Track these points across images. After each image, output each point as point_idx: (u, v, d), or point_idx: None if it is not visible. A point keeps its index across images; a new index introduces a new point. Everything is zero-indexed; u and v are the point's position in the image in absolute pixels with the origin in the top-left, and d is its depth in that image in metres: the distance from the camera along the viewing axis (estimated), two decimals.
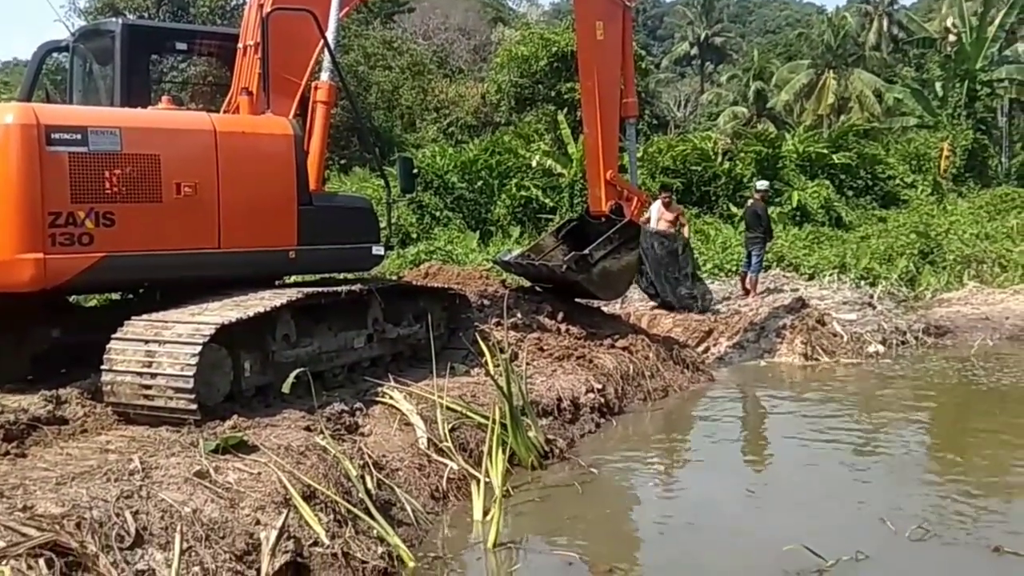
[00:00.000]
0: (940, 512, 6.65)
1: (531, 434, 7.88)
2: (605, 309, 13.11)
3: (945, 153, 27.75)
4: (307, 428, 6.58)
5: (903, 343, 14.17)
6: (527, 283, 12.26)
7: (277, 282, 8.44)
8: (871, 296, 16.21)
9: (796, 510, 6.88)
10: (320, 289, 7.86)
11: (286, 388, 6.51)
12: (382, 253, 8.98)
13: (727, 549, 6.06)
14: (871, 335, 13.97)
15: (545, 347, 10.20)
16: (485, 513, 6.49)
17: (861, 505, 6.79)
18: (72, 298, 8.59)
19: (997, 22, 32.67)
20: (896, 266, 18.49)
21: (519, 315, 10.73)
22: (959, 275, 18.51)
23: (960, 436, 9.60)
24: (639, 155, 21.49)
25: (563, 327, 10.97)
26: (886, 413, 10.21)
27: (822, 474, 7.84)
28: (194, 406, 6.32)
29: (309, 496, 5.60)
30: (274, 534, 2.92)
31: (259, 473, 5.61)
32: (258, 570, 4.65)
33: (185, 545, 4.67)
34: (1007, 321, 15.31)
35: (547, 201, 22.80)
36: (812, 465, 8.16)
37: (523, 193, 22.74)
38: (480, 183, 22.96)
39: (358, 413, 7.30)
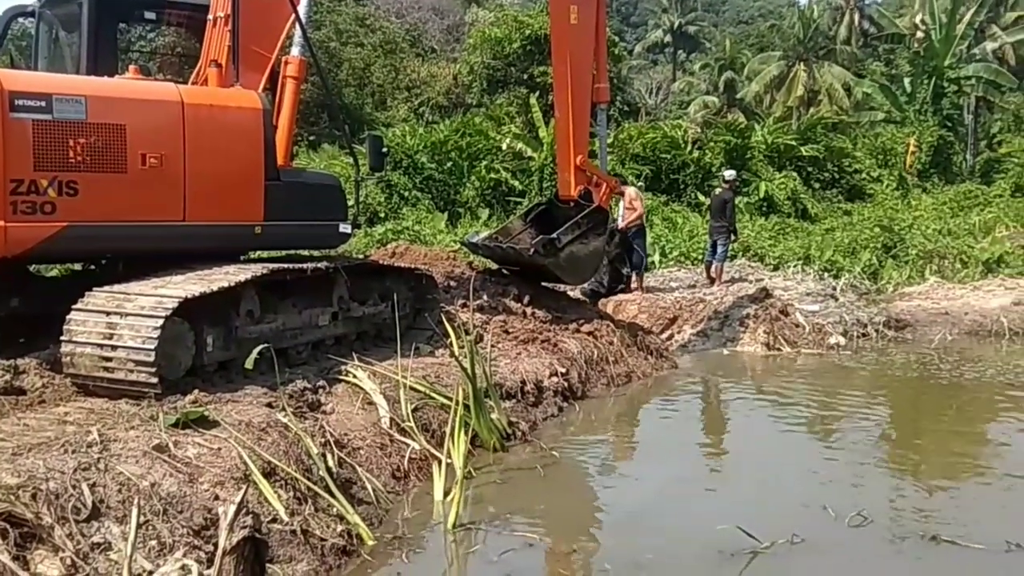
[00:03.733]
0: (885, 501, 6.76)
1: (494, 416, 7.90)
2: (571, 294, 13.13)
3: (911, 149, 28.05)
4: (269, 405, 6.55)
5: (864, 335, 14.35)
6: (494, 266, 12.25)
7: (242, 257, 8.37)
8: (834, 288, 16.37)
9: (746, 495, 6.96)
10: (285, 265, 7.81)
11: (249, 364, 6.48)
12: (349, 231, 8.92)
13: (676, 531, 6.14)
14: (833, 327, 14.12)
15: (510, 330, 10.21)
16: (446, 494, 6.50)
17: (808, 493, 6.89)
18: (32, 267, 8.47)
19: (966, 20, 33.03)
20: (859, 259, 18.68)
21: (485, 297, 10.73)
22: (921, 270, 18.74)
23: (914, 428, 9.75)
24: (609, 141, 21.52)
25: (529, 310, 10.99)
26: (844, 404, 10.35)
27: (776, 462, 7.93)
28: (155, 379, 6.26)
29: (269, 473, 5.59)
30: (232, 509, 2.91)
31: (219, 448, 5.59)
32: (215, 545, 4.63)
33: (142, 519, 4.64)
34: (966, 316, 15.54)
35: (516, 184, 22.78)
36: (768, 453, 8.26)
37: (492, 175, 22.70)
38: (450, 164, 22.89)
39: (321, 391, 7.27)
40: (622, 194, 15.28)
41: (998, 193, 25.49)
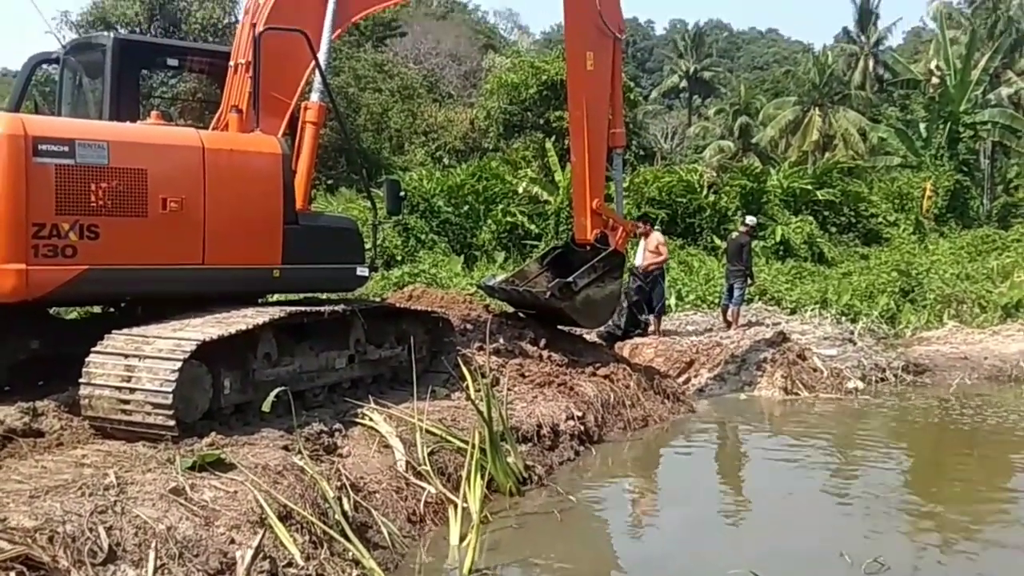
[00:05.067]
0: (902, 549, 6.70)
1: (510, 460, 7.86)
2: (587, 337, 13.12)
3: (928, 193, 28.01)
4: (285, 448, 6.55)
5: (882, 380, 14.24)
6: (510, 309, 12.26)
7: (260, 300, 8.42)
8: (852, 332, 16.29)
9: (762, 541, 6.91)
10: (303, 308, 7.84)
11: (266, 407, 6.48)
12: (366, 274, 8.97)
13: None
14: (851, 371, 14.03)
15: (527, 373, 10.19)
16: (462, 538, 6.46)
17: (826, 538, 6.83)
18: (52, 310, 8.53)
19: (981, 65, 33.12)
20: (877, 303, 18.60)
21: (501, 340, 10.72)
22: (939, 314, 18.62)
23: (934, 475, 9.65)
24: (625, 185, 21.59)
25: (545, 353, 10.97)
26: (863, 449, 10.26)
27: (793, 508, 7.87)
28: (172, 422, 6.28)
29: (285, 516, 5.57)
30: (249, 553, 2.90)
31: (235, 492, 5.58)
32: None
33: (159, 562, 4.64)
34: (986, 361, 15.41)
35: (532, 228, 22.86)
36: (785, 499, 8.19)
37: (509, 219, 22.79)
38: (466, 207, 23.00)
39: (337, 434, 7.27)
40: (647, 235, 15.35)
41: (1016, 238, 25.36)
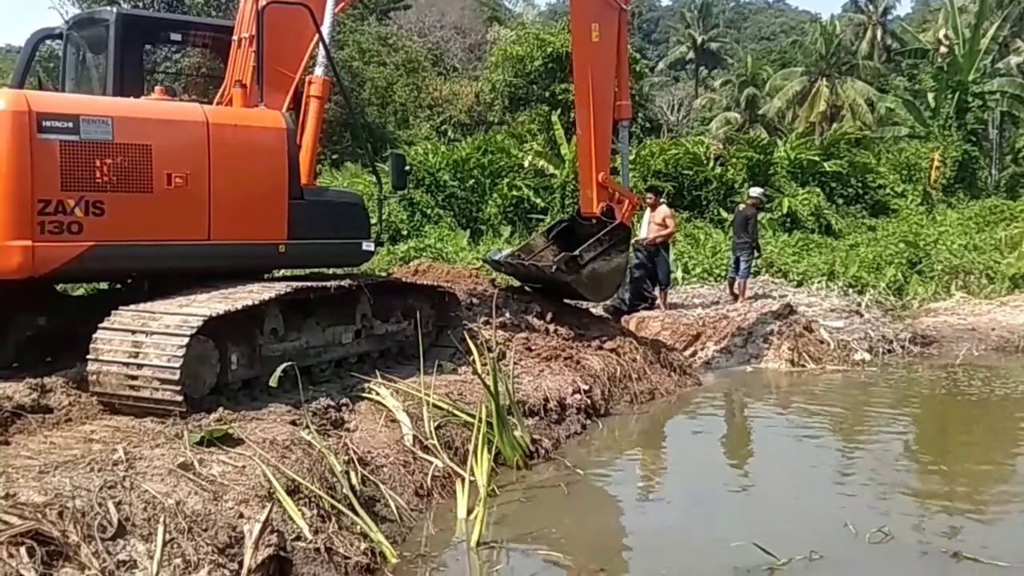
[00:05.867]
0: (907, 518, 6.71)
1: (517, 434, 7.88)
2: (593, 311, 13.12)
3: (935, 164, 27.86)
4: (293, 422, 6.57)
5: (889, 351, 14.24)
6: (516, 283, 12.26)
7: (266, 275, 8.43)
8: (859, 304, 16.27)
9: (769, 513, 6.92)
10: (309, 284, 7.85)
11: (273, 382, 6.50)
12: (372, 249, 8.97)
13: (698, 548, 6.11)
14: (858, 343, 14.02)
15: (533, 347, 10.20)
16: (469, 512, 6.49)
17: (831, 510, 6.83)
18: (59, 286, 8.55)
19: (990, 35, 32.83)
20: (884, 275, 18.56)
21: (508, 314, 10.73)
22: (946, 285, 18.58)
23: (941, 446, 9.66)
24: (631, 158, 21.51)
25: (551, 327, 10.98)
26: (869, 421, 10.27)
27: (800, 479, 7.87)
28: (180, 398, 6.30)
29: (293, 490, 5.59)
30: (257, 527, 2.92)
31: (243, 466, 5.61)
32: (240, 563, 4.64)
33: (168, 537, 4.66)
34: (993, 332, 15.38)
35: (538, 201, 22.80)
36: (792, 470, 8.20)
37: (515, 193, 22.73)
38: (472, 182, 22.94)
39: (344, 409, 7.29)
40: (654, 207, 15.31)
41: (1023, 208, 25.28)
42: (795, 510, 6.93)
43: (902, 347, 14.44)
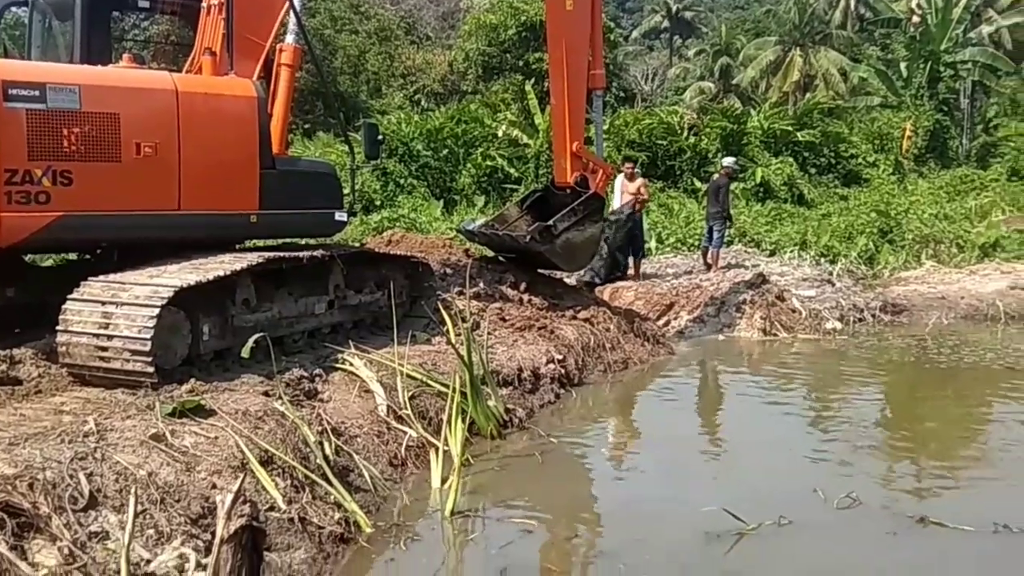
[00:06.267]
0: (876, 484, 6.81)
1: (491, 403, 7.91)
2: (568, 281, 13.13)
3: (907, 133, 28.00)
4: (265, 393, 6.55)
5: (860, 320, 14.38)
6: (490, 253, 12.24)
7: (238, 246, 8.36)
8: (830, 273, 16.39)
9: (740, 479, 6.99)
10: (281, 254, 7.80)
11: (245, 353, 6.46)
12: (345, 219, 8.92)
13: (669, 514, 6.16)
14: (829, 312, 14.14)
15: (507, 317, 10.21)
16: (443, 481, 6.51)
17: (801, 476, 6.92)
18: (28, 257, 8.45)
19: (962, 4, 32.89)
20: (856, 244, 18.68)
21: (482, 285, 10.72)
22: (917, 254, 18.74)
23: (910, 413, 9.77)
24: (605, 128, 21.47)
25: (525, 297, 10.99)
26: (841, 389, 10.38)
27: (771, 446, 7.94)
28: (151, 369, 6.27)
29: (266, 461, 5.59)
30: (229, 498, 2.92)
31: (216, 437, 5.59)
32: (213, 534, 4.64)
33: (140, 508, 4.64)
34: (962, 301, 15.54)
35: (512, 171, 22.74)
36: (763, 438, 8.26)
37: (488, 163, 22.66)
38: (445, 151, 22.84)
39: (317, 379, 7.28)
40: (632, 177, 15.32)
41: (994, 177, 25.47)
42: (766, 477, 7.00)
43: (873, 316, 14.58)
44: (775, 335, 13.26)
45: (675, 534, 5.73)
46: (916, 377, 11.20)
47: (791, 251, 18.04)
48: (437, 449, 6.88)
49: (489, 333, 9.20)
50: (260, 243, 9.13)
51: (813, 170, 26.03)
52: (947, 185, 24.89)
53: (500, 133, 23.61)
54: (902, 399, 10.51)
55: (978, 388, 10.39)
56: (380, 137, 9.38)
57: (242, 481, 3.05)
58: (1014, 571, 5.25)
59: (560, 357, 9.73)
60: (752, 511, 5.80)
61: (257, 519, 3.00)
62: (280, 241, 9.05)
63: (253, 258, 7.36)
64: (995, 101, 36.01)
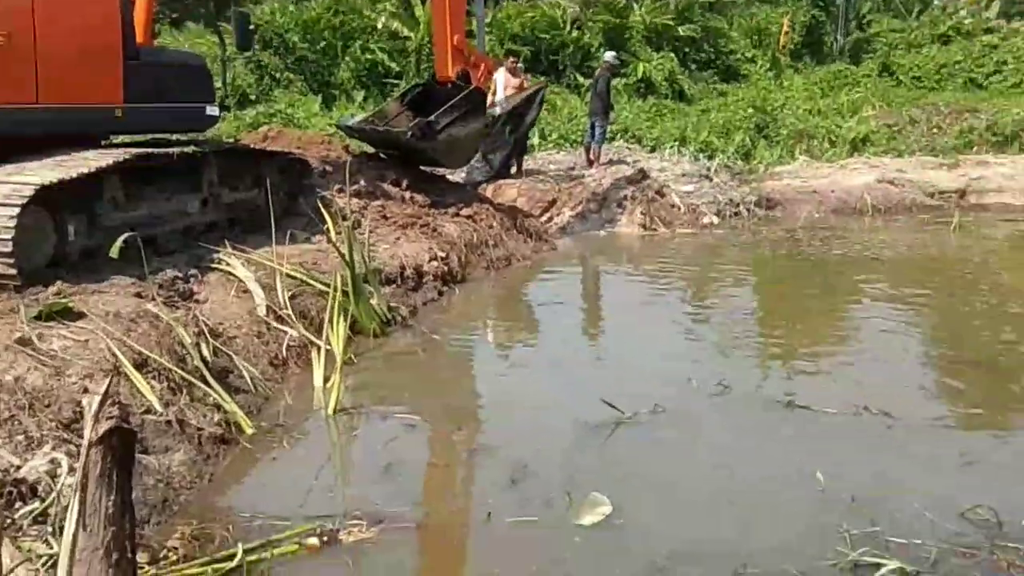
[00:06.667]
0: (747, 372, 7.08)
1: (373, 302, 7.86)
2: (450, 178, 13.03)
3: (785, 29, 28.33)
4: (138, 295, 6.35)
5: (736, 215, 14.75)
6: (371, 149, 12.02)
7: (104, 142, 7.99)
8: (708, 169, 16.67)
9: (619, 371, 7.19)
10: (150, 150, 7.49)
11: (114, 253, 6.24)
12: (217, 114, 8.61)
13: (551, 406, 6.28)
14: (707, 207, 14.45)
15: (389, 215, 10.09)
16: (326, 380, 6.48)
17: (677, 366, 7.10)
18: None
19: None
20: (733, 140, 18.98)
21: (362, 182, 10.53)
22: (791, 150, 19.17)
23: (783, 303, 10.13)
24: (487, 21, 21.09)
25: (407, 195, 10.86)
26: (717, 282, 10.68)
27: (650, 339, 8.15)
28: (13, 271, 6.01)
29: (141, 364, 5.46)
30: (96, 400, 2.82)
31: (86, 340, 5.42)
32: None
33: (7, 414, 4.50)
34: (832, 195, 16.06)
35: (393, 65, 22.19)
36: (643, 330, 8.47)
37: (368, 56, 22.04)
38: (323, 44, 22.09)
39: (193, 280, 7.09)
40: (514, 72, 15.14)
41: (866, 73, 26.10)
42: (644, 368, 7.19)
43: (748, 210, 14.98)
44: (655, 230, 13.49)
45: (556, 425, 5.85)
46: (788, 269, 11.59)
47: (671, 147, 18.23)
48: (319, 348, 6.83)
49: (371, 231, 9.09)
50: (130, 139, 8.73)
51: (693, 66, 26.19)
52: (821, 81, 25.39)
53: (379, 25, 22.92)
54: (775, 290, 10.88)
55: (846, 279, 10.82)
56: (252, 27, 9.03)
57: (109, 382, 2.96)
58: (872, 448, 5.55)
59: (443, 254, 9.71)
60: (630, 401, 5.97)
61: (127, 421, 2.92)
62: (150, 137, 8.68)
63: (120, 154, 7.05)
64: None
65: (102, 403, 2.79)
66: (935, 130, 19.78)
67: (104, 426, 2.79)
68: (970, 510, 4.56)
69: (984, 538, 4.37)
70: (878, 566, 4.06)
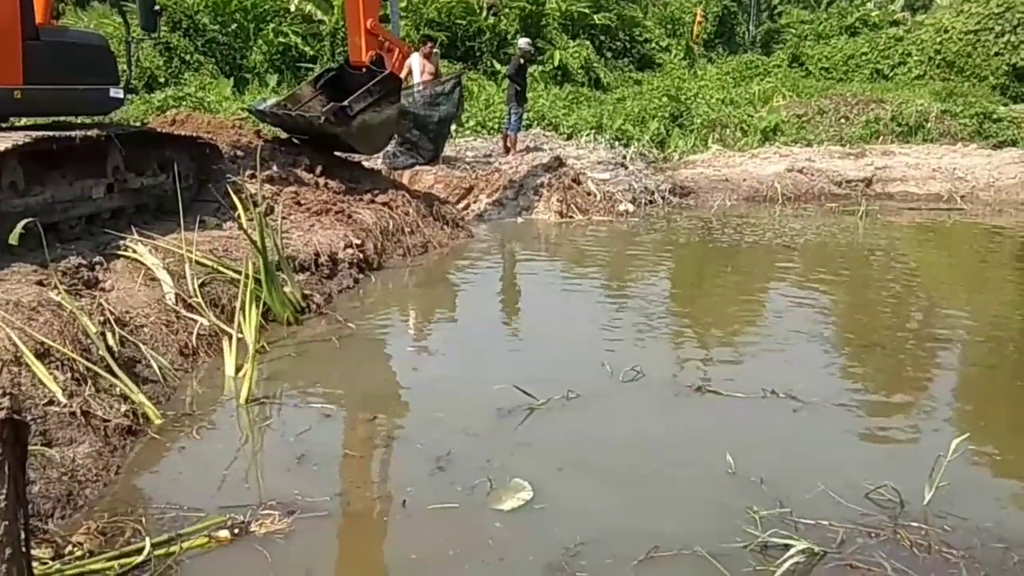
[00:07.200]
0: (660, 358, 7.18)
1: (287, 289, 7.74)
2: (365, 164, 12.89)
3: (698, 19, 28.71)
4: (40, 283, 6.15)
5: (651, 202, 14.92)
6: (284, 135, 11.82)
7: (3, 124, 7.70)
8: (624, 157, 16.83)
9: (535, 358, 7.24)
10: (50, 133, 7.23)
11: (13, 239, 6.01)
12: (122, 96, 8.36)
13: (466, 393, 6.28)
14: (622, 194, 14.58)
15: (303, 201, 9.95)
16: (238, 369, 6.36)
17: (592, 353, 7.13)
18: None
19: None
20: (648, 128, 19.19)
21: (275, 168, 10.37)
22: (704, 138, 19.46)
23: (696, 290, 10.30)
24: (402, 6, 20.89)
25: (321, 181, 10.72)
26: (632, 269, 10.78)
27: (566, 325, 8.18)
28: None
29: (43, 354, 5.28)
30: None
31: None
32: None
33: None
34: (744, 183, 16.37)
35: (307, 49, 21.86)
36: (558, 317, 8.51)
37: (281, 39, 21.66)
38: (235, 26, 21.64)
39: (98, 267, 6.89)
40: (429, 57, 15.03)
41: (777, 63, 26.61)
42: (559, 355, 7.23)
43: (662, 198, 15.17)
44: (571, 217, 13.57)
45: (470, 411, 5.84)
46: (701, 256, 11.77)
47: (587, 135, 18.36)
48: (230, 337, 6.69)
49: (284, 218, 8.95)
50: (31, 122, 8.43)
51: (609, 54, 26.40)
52: (733, 71, 25.81)
53: (292, 7, 22.55)
54: (688, 277, 11.04)
55: (758, 267, 11.03)
56: (157, 7, 8.75)
57: None
58: (778, 429, 5.68)
59: (358, 242, 9.61)
60: (544, 387, 5.99)
61: (19, 412, 2.81)
62: (52, 120, 8.39)
63: (19, 137, 6.79)
64: None
65: None
66: (843, 120, 20.27)
67: None
68: (874, 491, 4.69)
69: (888, 518, 4.50)
70: (787, 547, 4.14)
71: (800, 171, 16.93)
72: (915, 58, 25.53)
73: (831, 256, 11.71)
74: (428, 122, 14.28)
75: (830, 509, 4.54)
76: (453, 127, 17.72)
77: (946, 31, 25.02)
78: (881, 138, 19.60)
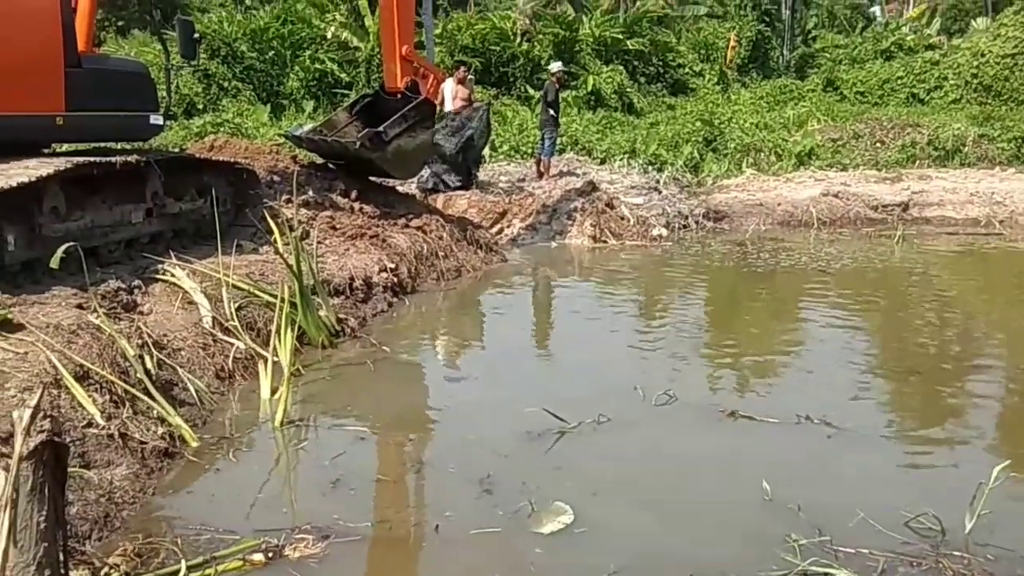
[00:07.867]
0: (694, 382, 7.11)
1: (322, 313, 7.79)
2: (400, 188, 12.98)
3: (732, 44, 28.70)
4: (79, 306, 6.23)
5: (685, 227, 14.88)
6: (320, 160, 11.93)
7: (46, 150, 7.84)
8: (657, 181, 16.81)
9: (568, 382, 7.22)
10: (92, 159, 7.34)
11: (54, 263, 6.10)
12: (161, 123, 8.49)
13: (499, 416, 6.26)
14: (656, 219, 14.55)
15: (338, 226, 10.02)
16: (273, 392, 6.40)
17: (625, 377, 7.11)
18: None
19: None
20: (681, 153, 19.17)
21: (311, 192, 10.46)
22: (738, 163, 19.40)
23: (730, 315, 10.23)
24: (437, 32, 21.10)
25: (356, 206, 10.80)
26: (665, 293, 10.75)
27: (599, 350, 8.17)
28: None
29: (82, 377, 5.35)
30: (28, 413, 2.76)
31: (26, 353, 5.30)
32: None
33: None
34: (779, 207, 16.27)
35: (343, 75, 22.13)
36: (592, 342, 8.49)
37: (317, 66, 21.95)
38: (272, 53, 21.96)
39: (136, 291, 6.97)
40: (463, 82, 15.13)
41: (811, 88, 26.51)
42: (592, 378, 7.20)
43: (696, 222, 15.13)
44: (604, 242, 13.56)
45: (502, 434, 5.83)
46: (735, 280, 11.69)
47: (620, 159, 18.37)
48: (266, 360, 6.74)
49: (319, 242, 9.02)
50: (72, 148, 8.58)
51: (642, 79, 26.46)
52: (767, 95, 25.75)
53: (329, 35, 22.85)
54: (722, 302, 10.97)
55: (792, 291, 10.94)
56: (196, 35, 8.90)
57: (41, 395, 2.89)
58: (813, 455, 5.61)
59: (392, 266, 9.66)
60: (577, 411, 5.98)
61: (59, 434, 2.84)
62: (93, 146, 8.53)
63: (61, 163, 6.90)
64: (814, 13, 37.31)
65: (33, 416, 2.72)
66: (878, 144, 20.12)
67: (36, 439, 2.72)
68: (914, 519, 4.62)
69: (929, 547, 4.42)
70: (828, 575, 4.09)
71: (835, 195, 16.80)
72: (951, 82, 25.33)
73: (867, 281, 11.59)
74: (445, 151, 14.27)
75: (870, 538, 4.47)
76: (486, 152, 17.81)
77: (983, 55, 24.82)
78: (917, 162, 19.42)
